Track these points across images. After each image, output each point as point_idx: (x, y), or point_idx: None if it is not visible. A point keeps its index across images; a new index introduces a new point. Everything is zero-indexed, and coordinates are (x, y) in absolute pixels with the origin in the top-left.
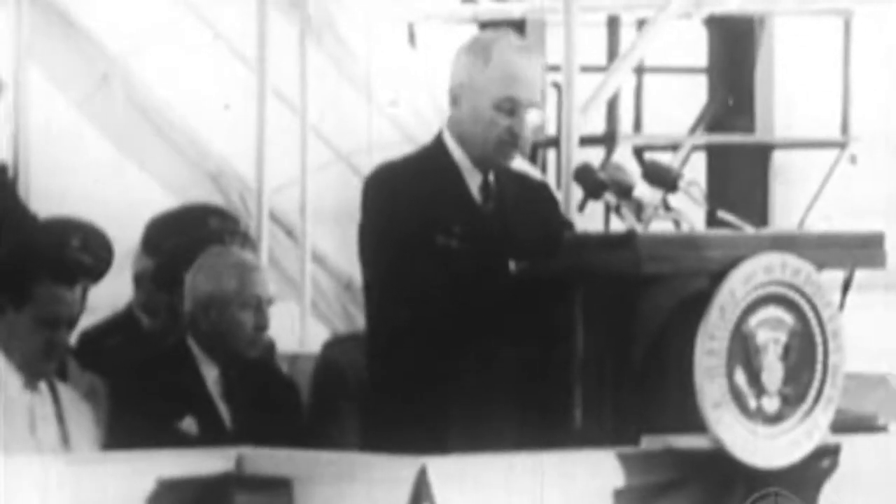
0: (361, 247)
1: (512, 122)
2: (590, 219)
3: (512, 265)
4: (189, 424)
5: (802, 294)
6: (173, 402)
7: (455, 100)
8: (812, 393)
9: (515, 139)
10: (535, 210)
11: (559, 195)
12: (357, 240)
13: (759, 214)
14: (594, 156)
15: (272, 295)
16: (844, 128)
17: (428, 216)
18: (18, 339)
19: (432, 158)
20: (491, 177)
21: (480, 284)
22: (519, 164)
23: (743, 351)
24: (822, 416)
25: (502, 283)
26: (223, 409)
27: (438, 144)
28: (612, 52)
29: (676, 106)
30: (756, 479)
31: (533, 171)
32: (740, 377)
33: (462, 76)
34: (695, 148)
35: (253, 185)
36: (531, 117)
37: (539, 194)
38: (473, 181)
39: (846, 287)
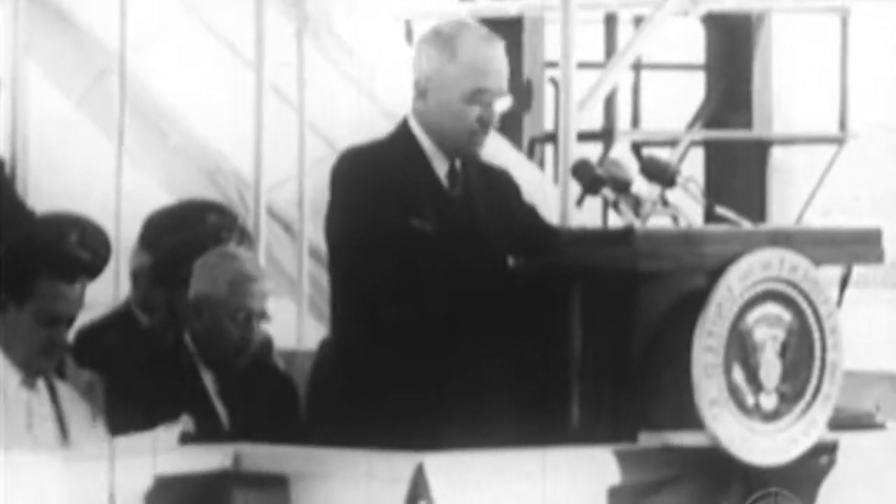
0: (328, 233)
1: (482, 112)
2: (588, 214)
3: (510, 261)
4: (186, 422)
5: (800, 290)
6: (170, 399)
7: (422, 92)
8: (810, 390)
9: (486, 128)
10: (501, 198)
11: (518, 182)
12: (324, 228)
13: (756, 210)
14: (592, 152)
15: (265, 308)
16: (842, 124)
17: (397, 200)
18: (19, 337)
19: (399, 145)
20: (458, 164)
21: (457, 270)
22: (515, 157)
23: (741, 348)
24: (820, 414)
25: (478, 271)
26: (220, 407)
27: (405, 132)
28: (610, 49)
29: (674, 102)
30: (754, 476)
31: (532, 165)
32: (738, 374)
33: (427, 69)
34: (693, 144)
35: (250, 181)
36: (500, 105)
37: (502, 183)
38: (441, 168)
39: (844, 283)
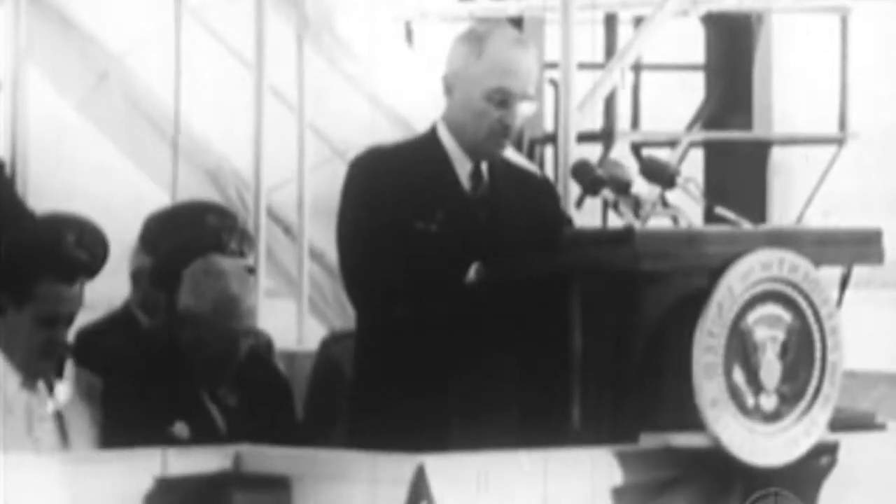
0: (338, 231)
1: (503, 113)
2: (588, 215)
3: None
4: (181, 428)
5: (800, 291)
6: (166, 402)
7: (448, 89)
8: (810, 391)
9: (506, 130)
10: (534, 204)
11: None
12: (336, 225)
13: (756, 210)
14: (592, 152)
15: (252, 325)
16: (842, 124)
17: (409, 200)
18: (18, 338)
19: (422, 146)
20: (483, 165)
21: (460, 271)
22: (518, 159)
23: (741, 348)
24: (821, 414)
25: (491, 273)
26: (214, 410)
27: (431, 134)
28: (610, 50)
29: (674, 103)
30: (754, 477)
31: (533, 168)
32: (738, 375)
33: (456, 66)
34: (692, 144)
35: (251, 183)
36: (523, 109)
37: (539, 190)
38: (463, 169)
39: (844, 284)
